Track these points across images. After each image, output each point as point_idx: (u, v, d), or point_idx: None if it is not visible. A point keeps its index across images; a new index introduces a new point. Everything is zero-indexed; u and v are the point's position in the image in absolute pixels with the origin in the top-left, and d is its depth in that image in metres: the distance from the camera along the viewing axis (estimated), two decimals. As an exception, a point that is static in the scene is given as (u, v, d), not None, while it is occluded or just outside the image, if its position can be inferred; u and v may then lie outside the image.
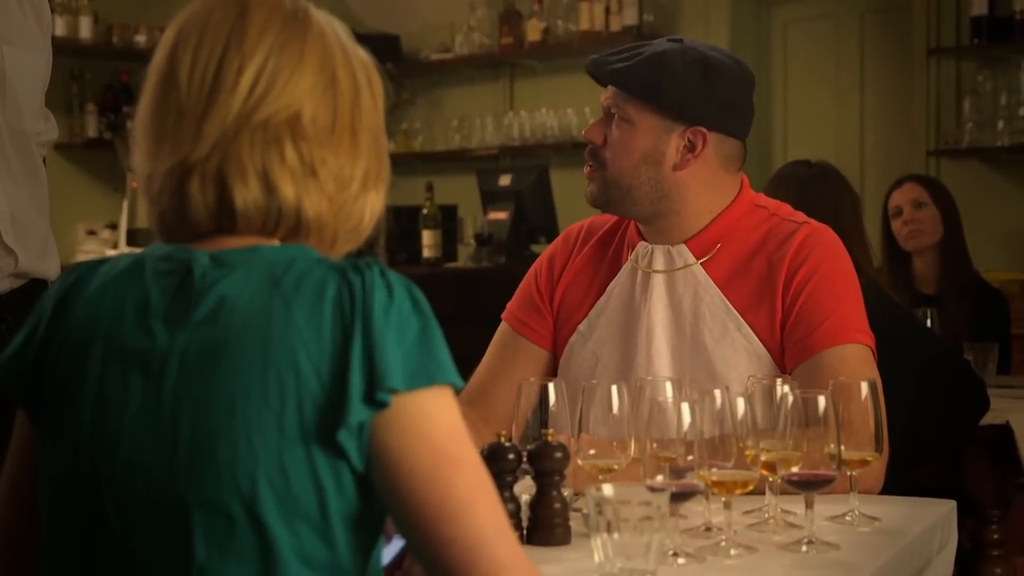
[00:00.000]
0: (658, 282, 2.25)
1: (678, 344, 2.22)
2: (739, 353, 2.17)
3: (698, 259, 2.24)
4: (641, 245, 2.29)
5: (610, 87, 2.25)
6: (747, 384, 1.89)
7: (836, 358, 2.11)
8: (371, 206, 1.38)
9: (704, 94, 2.19)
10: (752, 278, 2.21)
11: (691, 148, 2.21)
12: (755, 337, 2.18)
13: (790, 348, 2.16)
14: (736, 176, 2.28)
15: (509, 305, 2.43)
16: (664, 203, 2.23)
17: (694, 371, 2.17)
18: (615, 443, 1.84)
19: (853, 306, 2.18)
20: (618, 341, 2.27)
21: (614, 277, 2.31)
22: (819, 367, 2.10)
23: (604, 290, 2.32)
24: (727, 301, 2.20)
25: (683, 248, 2.25)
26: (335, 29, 1.37)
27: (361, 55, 1.39)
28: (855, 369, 2.08)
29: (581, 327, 2.32)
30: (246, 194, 1.29)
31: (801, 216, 2.28)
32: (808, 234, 2.21)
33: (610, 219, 2.38)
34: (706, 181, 2.24)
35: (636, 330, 2.24)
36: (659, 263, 2.26)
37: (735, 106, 2.24)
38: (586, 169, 2.28)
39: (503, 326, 2.42)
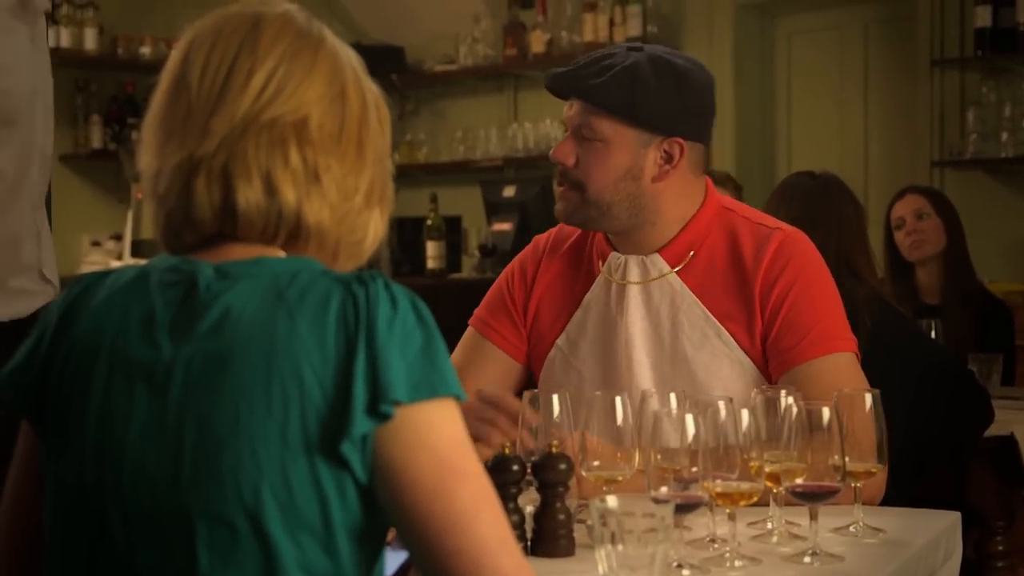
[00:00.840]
0: (634, 293, 2.23)
1: (658, 355, 2.20)
2: (720, 360, 2.17)
3: (672, 268, 2.22)
4: (613, 256, 2.27)
5: (576, 104, 2.20)
6: (751, 395, 1.88)
7: (823, 368, 2.11)
8: (374, 224, 1.38)
9: (678, 105, 2.18)
10: (728, 284, 2.20)
11: (668, 159, 2.19)
12: (735, 343, 2.17)
13: (774, 358, 2.15)
14: (702, 179, 2.27)
15: (476, 312, 2.40)
16: (641, 215, 2.21)
17: (675, 381, 2.15)
18: (618, 451, 1.84)
19: (835, 313, 2.18)
20: (598, 355, 2.25)
21: (588, 289, 2.29)
22: (807, 377, 2.10)
23: (579, 303, 2.29)
24: (705, 308, 2.19)
25: (657, 257, 2.23)
26: (348, 54, 1.39)
27: (372, 86, 1.40)
28: (844, 378, 2.09)
29: (559, 342, 2.30)
30: (249, 194, 1.30)
31: (772, 220, 2.27)
32: (782, 241, 2.19)
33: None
34: (680, 189, 2.23)
35: (615, 343, 2.23)
36: (633, 274, 2.24)
37: (704, 112, 2.23)
38: (559, 188, 2.24)
39: (469, 331, 2.39)
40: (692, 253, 2.22)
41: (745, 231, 2.22)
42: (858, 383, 2.11)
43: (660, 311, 2.21)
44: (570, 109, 2.22)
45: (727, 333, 2.17)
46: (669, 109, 2.17)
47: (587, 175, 2.19)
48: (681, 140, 2.19)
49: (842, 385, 2.04)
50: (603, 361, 2.24)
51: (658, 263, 2.23)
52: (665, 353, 2.20)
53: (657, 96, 2.16)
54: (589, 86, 2.16)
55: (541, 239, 2.42)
